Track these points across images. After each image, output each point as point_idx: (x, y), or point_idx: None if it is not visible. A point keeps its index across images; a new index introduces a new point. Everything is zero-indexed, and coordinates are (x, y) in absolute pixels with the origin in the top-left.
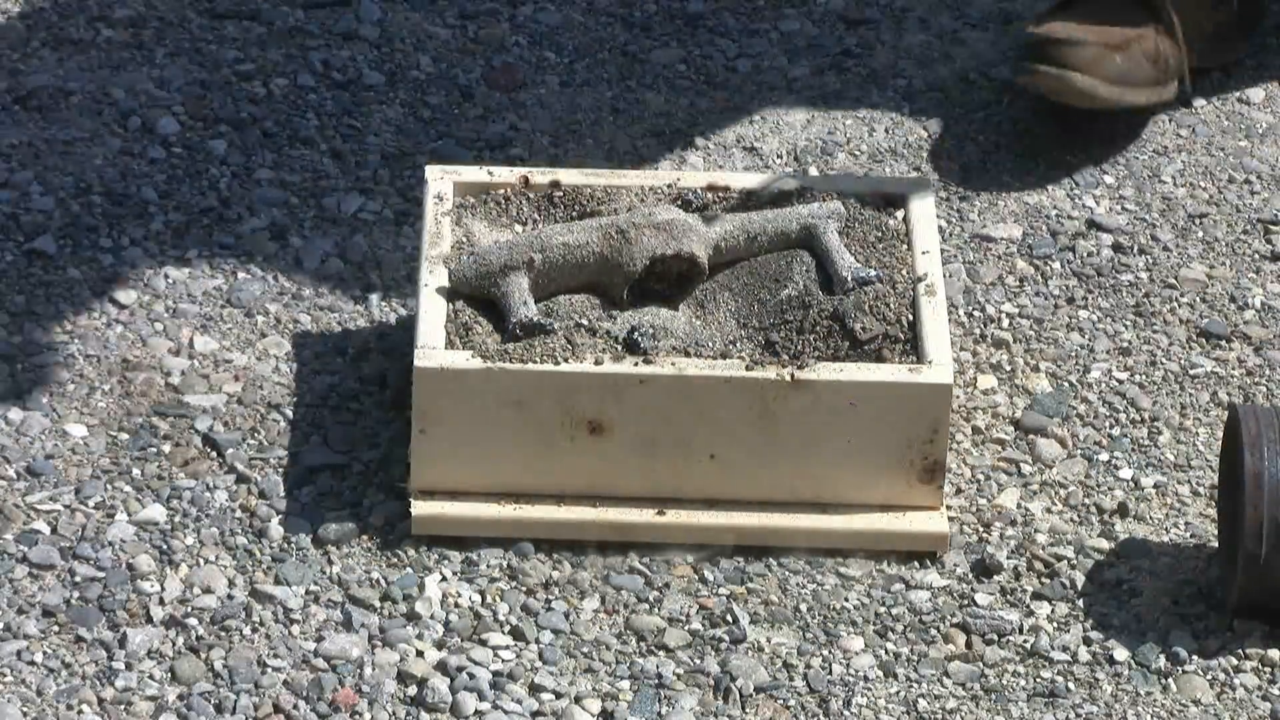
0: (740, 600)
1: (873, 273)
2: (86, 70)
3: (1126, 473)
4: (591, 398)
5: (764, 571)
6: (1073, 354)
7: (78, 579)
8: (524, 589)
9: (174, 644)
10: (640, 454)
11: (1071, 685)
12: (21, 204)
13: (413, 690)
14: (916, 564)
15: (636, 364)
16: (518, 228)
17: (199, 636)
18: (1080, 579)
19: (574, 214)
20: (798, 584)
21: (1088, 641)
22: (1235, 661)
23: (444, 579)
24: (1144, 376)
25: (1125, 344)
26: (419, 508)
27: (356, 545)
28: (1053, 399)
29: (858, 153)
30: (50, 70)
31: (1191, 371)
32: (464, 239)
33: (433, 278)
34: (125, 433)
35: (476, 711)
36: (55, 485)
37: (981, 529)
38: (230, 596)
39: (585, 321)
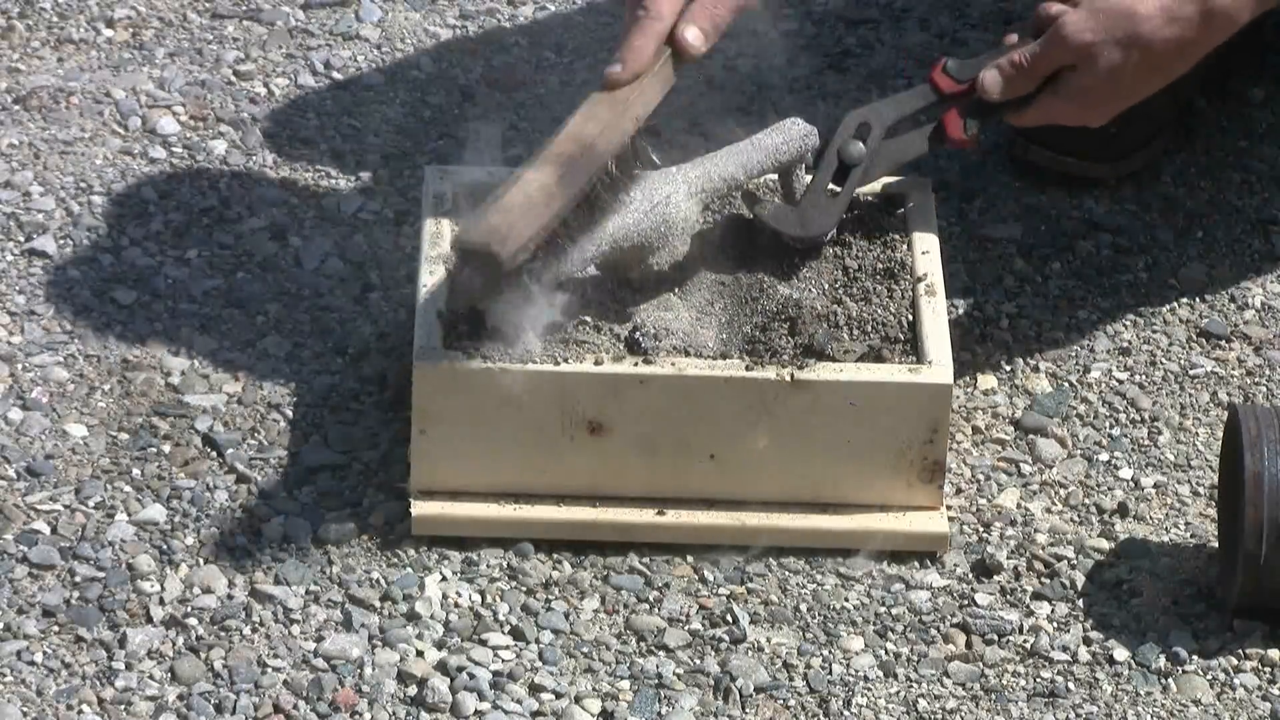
0: (740, 600)
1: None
2: (86, 70)
3: (1126, 473)
4: (591, 398)
5: (764, 571)
6: (1073, 354)
7: (78, 579)
8: (524, 589)
9: (174, 644)
10: (640, 454)
11: (1071, 685)
12: (21, 204)
13: (413, 690)
14: (916, 564)
15: (636, 364)
16: None
17: (199, 636)
18: (1080, 579)
19: None
20: (798, 584)
21: (1088, 641)
22: (1235, 661)
23: (444, 579)
24: (1144, 376)
25: (1125, 344)
26: (419, 508)
27: (356, 545)
28: (1053, 399)
29: None
30: (50, 70)
31: (1191, 371)
32: None
33: (432, 278)
34: (125, 433)
35: (476, 711)
36: (55, 485)
37: (981, 529)
38: (230, 596)
39: (587, 318)
